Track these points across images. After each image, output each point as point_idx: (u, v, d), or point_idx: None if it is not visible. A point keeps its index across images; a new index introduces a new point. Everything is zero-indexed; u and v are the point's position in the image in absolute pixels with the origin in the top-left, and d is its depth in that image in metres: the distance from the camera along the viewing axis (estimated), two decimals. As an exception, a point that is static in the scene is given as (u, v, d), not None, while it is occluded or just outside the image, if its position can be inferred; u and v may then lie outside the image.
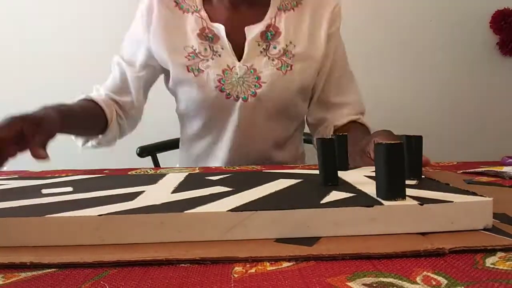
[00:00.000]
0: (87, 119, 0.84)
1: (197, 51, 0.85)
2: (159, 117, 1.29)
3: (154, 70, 0.91)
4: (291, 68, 0.85)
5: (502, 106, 1.89)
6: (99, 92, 0.90)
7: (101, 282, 0.25)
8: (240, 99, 0.84)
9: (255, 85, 0.84)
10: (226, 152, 0.89)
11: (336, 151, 0.41)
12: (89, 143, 0.89)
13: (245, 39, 0.84)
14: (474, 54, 1.87)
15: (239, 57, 0.85)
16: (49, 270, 0.27)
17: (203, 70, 0.84)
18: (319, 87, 0.92)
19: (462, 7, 1.85)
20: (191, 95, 0.86)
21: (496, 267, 0.26)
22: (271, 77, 0.84)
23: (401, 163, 0.32)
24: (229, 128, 0.87)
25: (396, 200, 0.32)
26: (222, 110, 0.86)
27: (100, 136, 0.88)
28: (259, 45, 0.85)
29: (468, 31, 1.86)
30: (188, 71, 0.84)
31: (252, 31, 0.84)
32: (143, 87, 0.92)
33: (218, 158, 0.91)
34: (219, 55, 0.84)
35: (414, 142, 0.44)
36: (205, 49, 0.85)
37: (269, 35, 0.86)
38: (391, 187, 0.32)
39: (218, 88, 0.84)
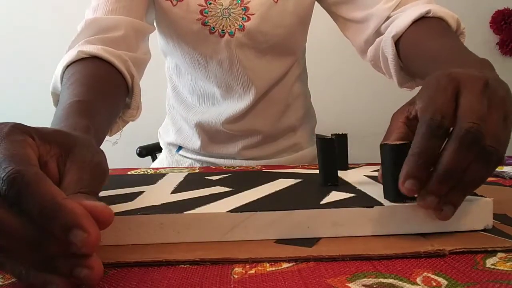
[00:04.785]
0: (114, 106, 0.58)
1: None
2: (158, 117, 1.30)
3: None
4: None
5: (502, 106, 1.89)
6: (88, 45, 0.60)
7: (100, 283, 0.25)
8: (227, 34, 0.73)
9: (242, 18, 0.73)
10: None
11: (336, 151, 0.41)
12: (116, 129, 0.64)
13: None
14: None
15: None
16: (48, 271, 0.27)
17: None
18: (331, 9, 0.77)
19: (462, 7, 1.85)
20: (169, 27, 0.75)
21: (497, 268, 0.26)
22: (261, 7, 0.73)
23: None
24: (215, 70, 0.77)
25: (406, 202, 0.31)
26: (206, 48, 0.75)
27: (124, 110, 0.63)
28: None
29: (468, 31, 1.86)
30: None
31: None
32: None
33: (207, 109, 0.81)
34: None
35: None
36: None
37: None
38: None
39: (201, 21, 0.72)
